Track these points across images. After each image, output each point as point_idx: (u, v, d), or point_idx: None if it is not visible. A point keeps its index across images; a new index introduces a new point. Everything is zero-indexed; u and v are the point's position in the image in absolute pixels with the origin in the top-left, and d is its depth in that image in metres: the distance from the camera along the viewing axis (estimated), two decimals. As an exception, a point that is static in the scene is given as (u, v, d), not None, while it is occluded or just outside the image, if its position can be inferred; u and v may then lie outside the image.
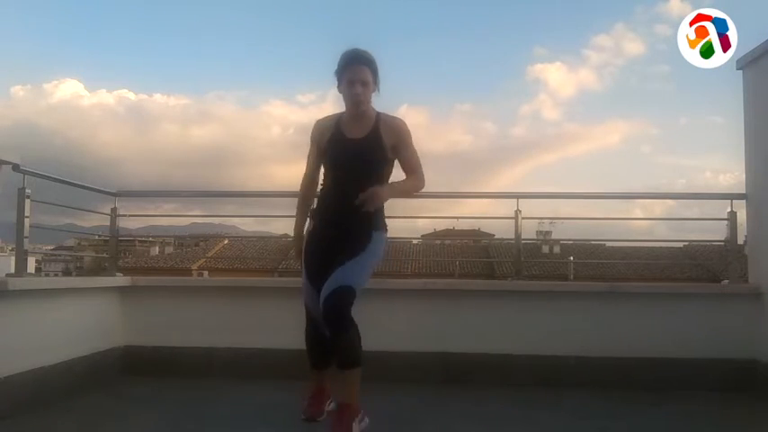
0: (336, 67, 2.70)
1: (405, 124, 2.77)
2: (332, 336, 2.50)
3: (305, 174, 2.89)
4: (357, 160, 2.67)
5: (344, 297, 2.48)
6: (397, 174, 2.83)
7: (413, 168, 2.78)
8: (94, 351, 3.43)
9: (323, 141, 2.76)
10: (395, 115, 2.79)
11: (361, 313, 3.54)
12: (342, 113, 2.78)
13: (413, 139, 2.78)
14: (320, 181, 2.87)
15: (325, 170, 2.81)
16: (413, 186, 2.81)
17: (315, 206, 2.88)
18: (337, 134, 2.73)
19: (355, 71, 2.63)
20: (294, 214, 2.96)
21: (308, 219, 2.86)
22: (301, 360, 3.61)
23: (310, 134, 2.86)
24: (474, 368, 3.58)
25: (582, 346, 3.57)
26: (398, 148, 2.73)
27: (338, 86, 2.71)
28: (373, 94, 2.72)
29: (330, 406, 2.80)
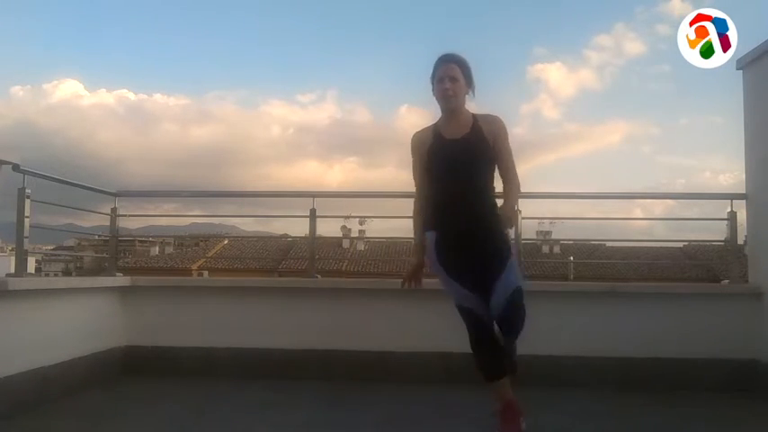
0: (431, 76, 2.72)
1: (502, 120, 2.71)
2: (509, 339, 2.60)
3: (417, 188, 2.80)
4: (462, 162, 2.61)
5: (521, 296, 2.56)
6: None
7: (509, 171, 2.69)
8: (94, 351, 3.43)
9: (424, 151, 2.70)
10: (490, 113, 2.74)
11: (361, 313, 3.56)
12: (437, 122, 2.75)
13: (509, 139, 2.71)
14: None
15: (432, 179, 2.71)
16: (517, 191, 2.76)
17: (428, 219, 2.72)
18: (438, 140, 2.68)
19: (444, 69, 2.64)
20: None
21: (428, 233, 2.71)
22: (300, 360, 3.62)
23: (410, 149, 2.79)
24: (474, 368, 3.57)
25: (582, 346, 3.57)
26: (498, 140, 2.65)
27: (432, 92, 2.71)
28: (468, 97, 2.71)
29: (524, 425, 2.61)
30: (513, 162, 2.71)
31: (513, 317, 2.56)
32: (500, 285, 2.50)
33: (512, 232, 2.80)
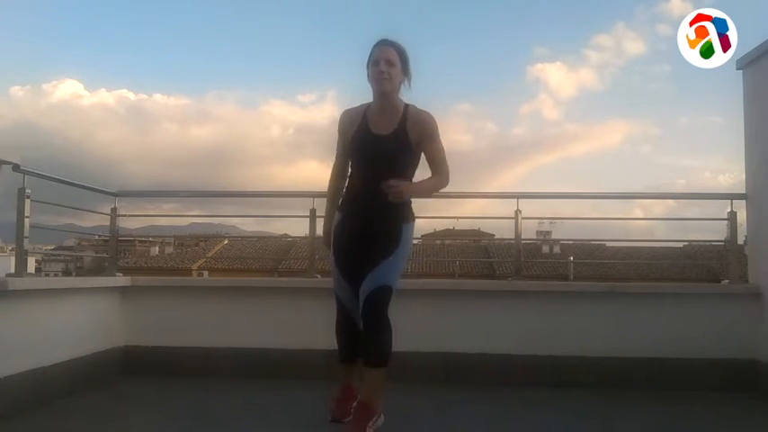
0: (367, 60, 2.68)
1: (432, 118, 2.70)
2: (367, 334, 2.58)
3: (333, 166, 2.86)
4: (382, 158, 2.64)
5: (383, 296, 2.55)
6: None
7: (437, 165, 2.70)
8: (94, 351, 3.43)
9: (349, 133, 2.72)
10: (423, 109, 2.72)
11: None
12: (369, 103, 2.74)
13: (439, 133, 2.71)
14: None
15: (351, 163, 2.78)
16: (435, 185, 2.75)
17: (342, 200, 2.82)
18: (363, 128, 2.69)
19: (380, 51, 2.62)
20: (323, 214, 2.95)
21: (337, 212, 2.81)
22: (300, 360, 3.62)
23: (338, 125, 2.80)
24: (474, 368, 3.58)
25: (582, 346, 3.57)
26: (423, 142, 2.67)
27: (367, 76, 2.68)
28: (403, 87, 2.70)
29: (375, 425, 2.63)
30: (443, 159, 2.71)
31: (366, 323, 2.57)
32: (374, 275, 2.55)
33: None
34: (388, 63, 2.59)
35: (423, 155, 2.72)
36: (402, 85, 2.69)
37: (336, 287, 2.76)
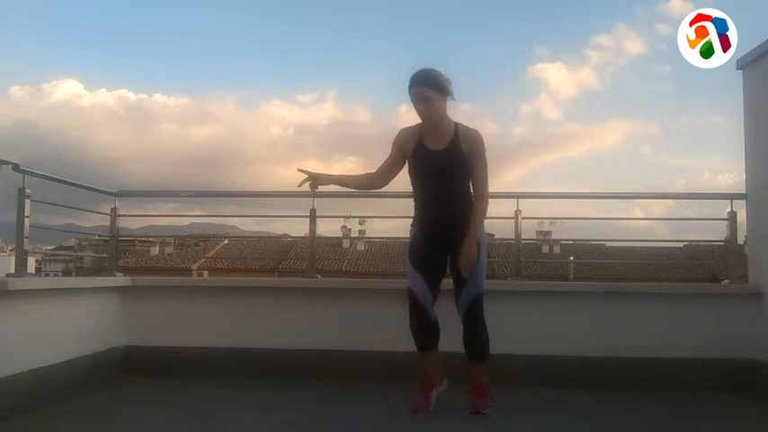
0: None
1: (480, 135, 2.97)
2: (472, 336, 3.00)
3: (379, 168, 3.15)
4: (442, 171, 2.94)
5: (479, 305, 2.97)
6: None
7: (480, 187, 2.98)
8: (94, 351, 3.43)
9: (408, 149, 3.02)
10: (472, 126, 2.99)
11: (361, 313, 3.56)
12: (422, 126, 3.01)
13: (485, 155, 2.98)
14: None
15: (413, 180, 3.05)
16: (484, 214, 3.02)
17: (415, 215, 3.10)
18: (420, 146, 2.98)
19: (414, 92, 2.90)
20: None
21: (412, 227, 3.10)
22: (300, 360, 3.62)
23: (393, 140, 3.09)
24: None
25: (582, 346, 3.57)
26: (472, 156, 2.93)
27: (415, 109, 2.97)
28: (449, 103, 2.95)
29: (438, 390, 3.04)
30: (485, 178, 2.99)
31: (469, 327, 3.00)
32: (465, 293, 2.95)
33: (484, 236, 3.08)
34: (425, 101, 2.87)
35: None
36: (447, 104, 2.95)
37: (411, 282, 2.99)
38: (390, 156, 3.10)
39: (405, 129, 3.06)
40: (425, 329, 3.01)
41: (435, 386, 3.02)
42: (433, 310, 3.00)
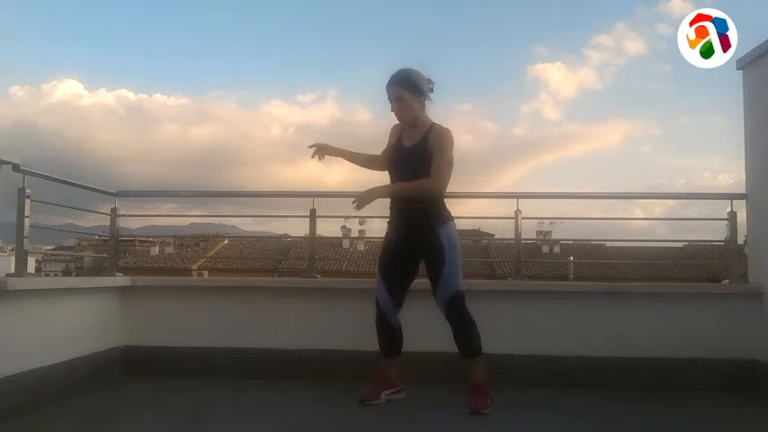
0: None
1: (448, 133, 3.04)
2: (457, 333, 3.03)
3: (381, 154, 3.27)
4: (406, 166, 3.04)
5: (458, 301, 2.99)
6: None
7: (432, 171, 2.98)
8: (94, 351, 3.43)
9: (391, 144, 3.18)
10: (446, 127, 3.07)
11: (361, 313, 3.55)
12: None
13: (451, 151, 3.03)
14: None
15: (388, 167, 3.19)
16: (418, 188, 2.99)
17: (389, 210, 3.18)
18: (398, 142, 3.13)
19: (389, 92, 3.04)
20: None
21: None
22: (300, 360, 3.62)
23: (389, 134, 3.25)
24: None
25: (582, 346, 3.57)
26: (434, 149, 2.99)
27: None
28: (427, 103, 3.08)
29: (388, 397, 3.09)
30: (440, 169, 2.98)
31: (454, 328, 3.03)
32: (440, 290, 2.99)
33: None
34: (398, 100, 3.01)
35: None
36: (425, 103, 3.08)
37: (377, 292, 3.14)
38: (387, 146, 3.24)
39: (396, 125, 3.20)
40: (385, 336, 3.15)
41: (390, 387, 3.12)
42: (395, 317, 3.14)
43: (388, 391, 3.10)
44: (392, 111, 3.07)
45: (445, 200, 3.13)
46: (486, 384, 3.01)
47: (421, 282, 3.20)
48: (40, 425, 2.64)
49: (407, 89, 3.00)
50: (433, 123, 3.07)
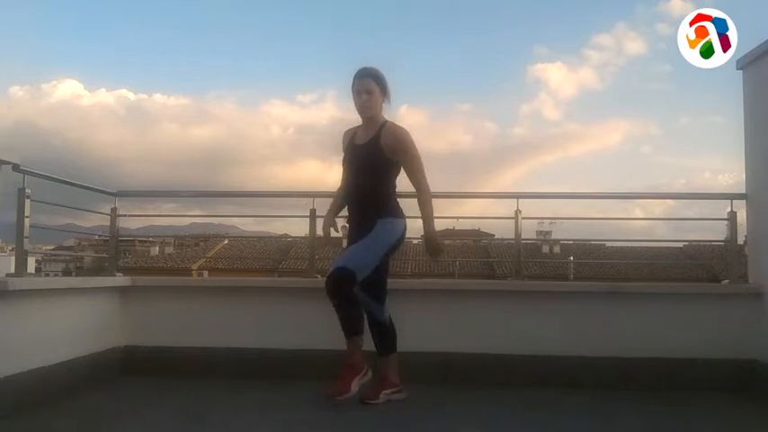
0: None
1: (406, 133, 3.09)
2: (335, 307, 3.00)
3: (341, 180, 3.29)
4: (360, 163, 3.09)
5: (341, 277, 2.95)
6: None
7: (417, 181, 3.11)
8: (94, 351, 3.43)
9: (343, 148, 3.24)
10: (401, 125, 3.14)
11: (361, 313, 3.53)
12: (360, 125, 3.21)
13: (416, 148, 3.10)
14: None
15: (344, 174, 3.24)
16: (430, 205, 3.14)
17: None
18: (351, 142, 3.19)
19: (360, 83, 3.08)
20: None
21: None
22: (300, 360, 3.62)
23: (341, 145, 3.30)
24: (474, 368, 3.58)
25: (582, 346, 3.57)
26: (398, 154, 3.07)
27: (354, 102, 3.14)
28: (385, 105, 3.15)
29: (362, 381, 3.05)
30: (422, 175, 3.11)
31: (330, 289, 2.97)
32: (339, 257, 3.04)
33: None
34: (367, 92, 3.06)
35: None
36: (384, 105, 3.15)
37: None
38: (342, 162, 3.27)
39: (346, 130, 3.30)
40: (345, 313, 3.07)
41: (358, 375, 3.03)
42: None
43: (356, 380, 3.01)
44: (358, 102, 3.09)
45: (398, 199, 3.18)
46: (359, 365, 3.02)
47: (420, 282, 3.21)
48: (40, 425, 2.64)
49: (378, 85, 3.09)
50: (386, 120, 3.13)
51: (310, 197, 4.01)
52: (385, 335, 3.14)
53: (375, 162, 3.05)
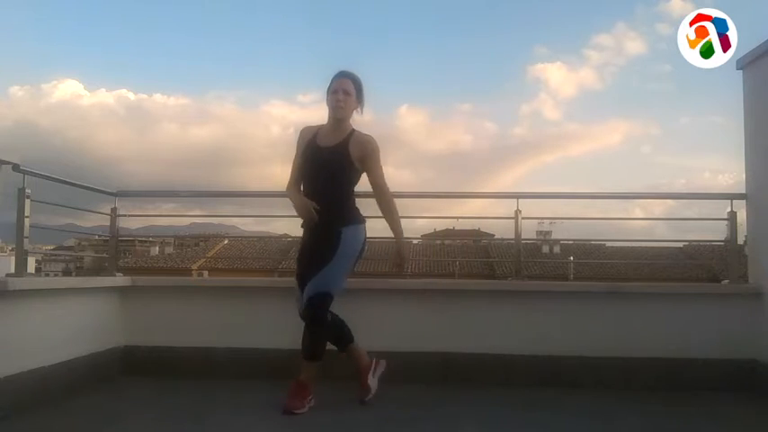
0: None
1: (374, 142, 3.08)
2: (307, 331, 2.97)
3: (291, 173, 3.17)
4: (326, 167, 3.02)
5: (321, 302, 2.91)
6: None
7: (381, 189, 3.10)
8: (94, 351, 3.43)
9: (303, 147, 3.11)
10: (369, 133, 3.11)
11: (361, 313, 3.56)
12: (324, 124, 3.13)
13: (380, 157, 3.09)
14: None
15: (302, 175, 3.12)
16: (396, 213, 3.15)
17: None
18: (313, 143, 3.09)
19: (339, 82, 3.05)
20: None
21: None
22: (299, 360, 3.62)
23: (297, 141, 3.17)
24: (474, 368, 3.58)
25: (582, 346, 3.57)
26: (365, 162, 3.05)
27: (326, 99, 3.08)
28: (356, 113, 3.12)
29: (377, 374, 3.16)
30: (382, 177, 3.10)
31: (309, 316, 2.94)
32: (315, 280, 2.91)
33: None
34: (345, 93, 3.03)
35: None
36: (355, 112, 3.11)
37: (297, 288, 3.09)
38: (295, 156, 3.16)
39: (307, 127, 3.19)
40: (303, 337, 3.03)
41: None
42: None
43: (310, 397, 2.93)
44: (333, 100, 3.02)
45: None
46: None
47: (420, 282, 3.20)
48: (40, 425, 2.64)
49: (356, 89, 3.08)
50: (354, 129, 3.10)
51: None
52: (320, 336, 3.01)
53: (341, 168, 3.02)
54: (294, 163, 3.17)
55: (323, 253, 2.93)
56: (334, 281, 2.94)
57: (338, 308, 3.72)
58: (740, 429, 2.88)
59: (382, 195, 3.12)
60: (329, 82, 3.08)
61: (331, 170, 3.02)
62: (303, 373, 2.95)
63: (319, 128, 3.14)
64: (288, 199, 3.16)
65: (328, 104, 3.06)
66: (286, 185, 3.18)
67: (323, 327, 2.95)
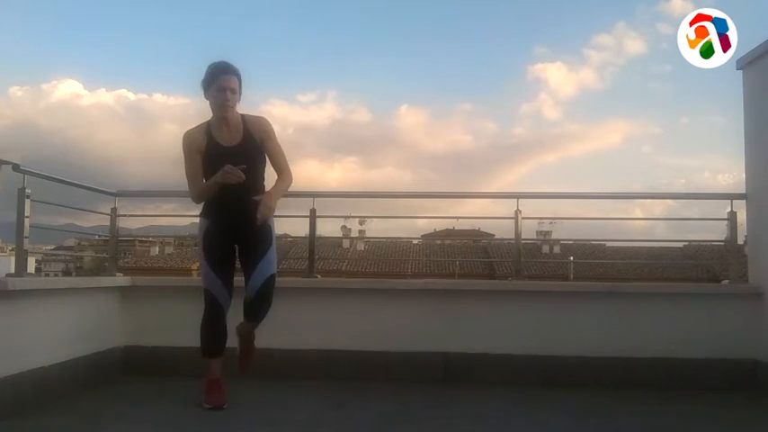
0: (204, 77, 2.97)
1: (267, 121, 3.07)
2: (257, 307, 3.06)
3: (195, 182, 3.03)
4: (238, 165, 2.86)
5: (273, 283, 3.03)
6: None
7: (281, 166, 3.06)
8: (94, 351, 3.43)
9: (201, 148, 2.99)
10: (259, 114, 3.10)
11: (361, 313, 3.56)
12: (207, 122, 3.02)
13: (276, 134, 3.07)
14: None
15: (207, 175, 2.98)
16: (287, 186, 3.09)
17: (205, 208, 3.07)
18: (212, 143, 2.97)
19: (226, 80, 2.92)
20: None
21: (199, 218, 3.10)
22: (300, 360, 3.62)
23: (182, 146, 3.02)
24: (474, 368, 3.58)
25: (582, 346, 3.57)
26: (265, 142, 3.01)
27: (205, 94, 2.98)
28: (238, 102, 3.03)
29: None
30: (285, 159, 3.08)
31: (260, 304, 3.04)
32: (258, 271, 2.96)
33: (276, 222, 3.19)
34: (232, 92, 2.93)
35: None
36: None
37: (209, 285, 3.06)
38: (193, 162, 3.00)
39: (190, 130, 3.03)
40: (218, 335, 3.08)
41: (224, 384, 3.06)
42: (227, 311, 3.10)
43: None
44: (219, 99, 2.90)
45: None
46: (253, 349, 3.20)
47: (420, 282, 3.20)
48: (40, 425, 2.64)
49: (240, 83, 2.98)
50: (243, 115, 3.02)
51: (310, 197, 4.01)
52: (224, 334, 3.14)
53: (256, 160, 2.99)
54: (191, 169, 3.01)
55: (262, 246, 2.99)
56: (275, 262, 3.10)
57: (339, 308, 3.74)
58: (740, 429, 2.88)
59: (284, 175, 3.05)
60: (207, 74, 2.95)
61: (249, 165, 2.92)
62: (215, 372, 3.05)
63: (206, 129, 2.99)
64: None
65: (212, 101, 2.94)
66: (194, 195, 3.05)
67: (271, 301, 3.07)
